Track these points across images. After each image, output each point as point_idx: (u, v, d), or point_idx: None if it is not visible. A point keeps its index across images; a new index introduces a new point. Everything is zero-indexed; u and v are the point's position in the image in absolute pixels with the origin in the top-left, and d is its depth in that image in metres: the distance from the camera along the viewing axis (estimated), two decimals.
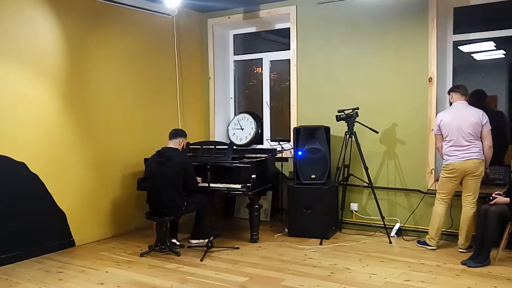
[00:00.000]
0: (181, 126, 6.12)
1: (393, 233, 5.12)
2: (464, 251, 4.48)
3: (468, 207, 4.43)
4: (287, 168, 5.85)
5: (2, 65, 4.29)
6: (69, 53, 4.85)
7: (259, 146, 6.37)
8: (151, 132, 5.63)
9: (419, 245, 4.76)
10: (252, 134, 6.33)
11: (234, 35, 6.72)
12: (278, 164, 5.78)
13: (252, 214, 5.00)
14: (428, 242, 4.67)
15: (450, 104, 4.58)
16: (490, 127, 4.39)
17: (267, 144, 6.30)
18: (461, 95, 4.50)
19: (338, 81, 5.51)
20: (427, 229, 4.72)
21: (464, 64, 5.26)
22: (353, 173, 5.37)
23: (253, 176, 4.83)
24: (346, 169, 5.33)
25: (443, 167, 4.51)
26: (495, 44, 5.08)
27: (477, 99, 4.74)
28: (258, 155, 5.48)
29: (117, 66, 5.36)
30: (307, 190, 5.13)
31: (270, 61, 6.46)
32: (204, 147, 5.21)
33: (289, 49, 5.89)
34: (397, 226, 5.16)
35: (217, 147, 5.16)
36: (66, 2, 4.80)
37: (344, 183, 5.41)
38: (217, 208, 6.29)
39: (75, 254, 4.71)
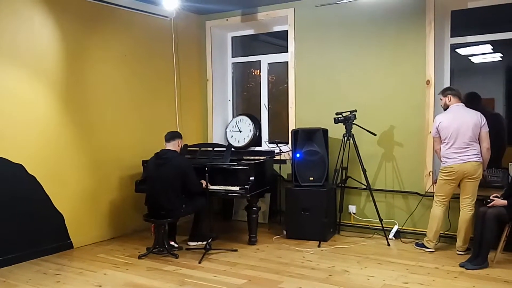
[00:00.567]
0: (179, 128, 6.12)
1: (391, 236, 5.13)
2: (462, 253, 4.48)
3: (466, 210, 4.44)
4: (285, 170, 5.85)
5: (0, 67, 4.28)
6: (67, 55, 4.84)
7: (257, 148, 6.37)
8: (149, 134, 5.63)
9: (417, 247, 4.77)
10: (250, 136, 6.34)
11: (232, 37, 6.73)
12: (276, 166, 5.78)
13: (250, 216, 5.00)
14: (426, 244, 4.68)
15: (444, 106, 4.57)
16: (488, 129, 4.40)
17: (265, 146, 6.30)
18: (459, 98, 4.51)
19: (336, 83, 5.52)
20: (425, 231, 4.73)
21: (461, 67, 5.28)
22: (351, 175, 5.38)
23: (251, 178, 4.83)
24: (344, 171, 5.34)
25: (441, 169, 4.52)
26: (492, 47, 5.10)
27: (472, 102, 4.75)
28: (256, 157, 5.49)
29: (115, 67, 5.36)
30: (305, 192, 5.13)
31: (268, 63, 6.47)
32: (202, 149, 5.22)
33: (287, 52, 5.90)
34: (395, 228, 5.17)
35: (215, 149, 5.17)
36: (64, 3, 4.80)
37: (342, 185, 5.41)
38: (215, 210, 6.28)
39: (73, 256, 4.70)
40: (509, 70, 5.20)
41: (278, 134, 6.31)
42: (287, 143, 5.92)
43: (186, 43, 6.30)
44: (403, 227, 5.17)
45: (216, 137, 6.55)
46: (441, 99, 4.58)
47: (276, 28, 6.26)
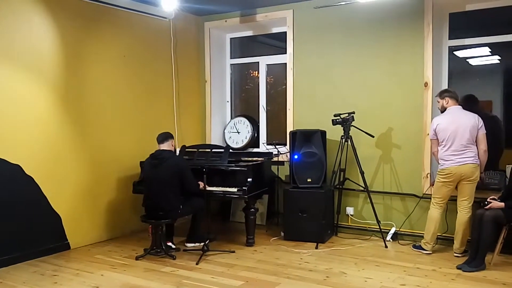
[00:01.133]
0: (177, 129, 6.12)
1: (388, 237, 5.13)
2: (460, 255, 4.49)
3: (464, 212, 4.45)
4: (283, 172, 5.85)
5: None
6: (65, 55, 4.84)
7: (255, 150, 6.37)
8: (147, 135, 5.62)
9: (415, 249, 4.78)
10: (248, 137, 6.34)
11: (230, 38, 6.73)
12: (274, 168, 5.78)
13: (248, 217, 4.99)
14: (423, 246, 4.68)
15: (441, 108, 4.57)
16: (485, 131, 4.41)
17: (263, 147, 6.30)
18: (456, 100, 4.52)
19: (335, 85, 5.53)
20: (423, 233, 4.74)
21: (459, 69, 5.29)
22: (349, 177, 5.38)
23: (249, 179, 4.83)
24: (342, 173, 5.34)
25: (439, 171, 4.53)
26: (490, 50, 5.11)
27: (469, 104, 4.76)
28: (254, 159, 5.48)
29: (114, 68, 5.35)
30: (303, 194, 5.13)
31: (267, 64, 6.48)
32: (200, 150, 5.21)
33: (285, 53, 5.91)
34: (392, 230, 5.17)
35: (213, 150, 5.16)
36: (63, 4, 4.79)
37: (340, 187, 5.41)
38: (213, 211, 6.28)
39: (70, 257, 4.69)
40: (507, 72, 5.22)
41: (276, 135, 6.31)
42: (285, 144, 5.92)
43: (185, 44, 6.30)
44: (401, 229, 5.18)
45: (214, 138, 6.55)
46: (439, 101, 4.59)
47: (275, 30, 6.26)
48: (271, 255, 4.67)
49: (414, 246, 4.82)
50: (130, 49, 5.52)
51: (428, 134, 4.83)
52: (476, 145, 4.41)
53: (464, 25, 5.09)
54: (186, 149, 5.30)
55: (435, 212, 4.57)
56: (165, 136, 4.73)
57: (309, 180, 5.18)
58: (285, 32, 5.86)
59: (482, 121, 4.40)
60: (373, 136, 5.17)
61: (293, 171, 5.24)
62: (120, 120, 5.43)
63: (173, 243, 4.93)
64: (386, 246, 4.92)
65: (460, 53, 5.22)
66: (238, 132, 6.42)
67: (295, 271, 4.16)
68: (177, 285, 3.85)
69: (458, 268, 4.16)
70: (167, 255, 4.59)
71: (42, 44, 4.63)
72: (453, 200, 4.59)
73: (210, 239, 4.85)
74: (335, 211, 5.46)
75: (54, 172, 4.76)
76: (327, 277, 4.01)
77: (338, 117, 5.08)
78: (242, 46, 6.82)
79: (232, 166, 4.99)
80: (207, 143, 6.44)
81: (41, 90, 4.64)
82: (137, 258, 4.57)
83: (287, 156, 5.71)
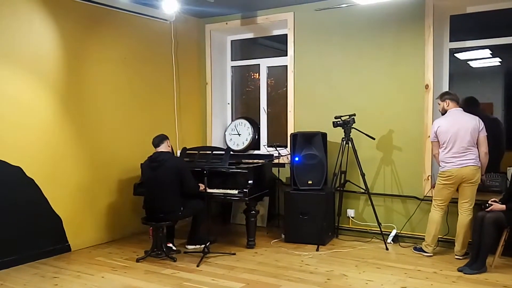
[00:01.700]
0: (178, 131, 6.13)
1: (389, 240, 5.12)
2: (461, 258, 4.48)
3: (465, 214, 4.44)
4: (284, 174, 5.85)
5: None
6: (66, 57, 4.85)
7: (256, 152, 6.36)
8: (148, 137, 5.56)
9: (416, 251, 4.77)
10: (249, 139, 6.34)
11: (231, 40, 6.74)
12: (275, 170, 5.78)
13: (249, 219, 4.99)
14: (424, 248, 4.67)
15: (442, 110, 4.57)
16: (486, 134, 4.41)
17: (264, 149, 6.30)
18: (457, 102, 4.52)
19: (335, 87, 5.53)
20: (424, 235, 4.73)
21: (460, 72, 5.29)
22: (349, 179, 5.37)
23: (250, 181, 4.83)
24: (342, 175, 5.33)
25: (440, 174, 4.52)
26: (491, 52, 5.11)
27: (470, 106, 4.76)
28: (255, 161, 5.49)
29: (114, 70, 5.36)
30: (304, 196, 5.13)
31: (268, 67, 6.48)
32: (201, 152, 5.22)
33: (286, 55, 5.91)
34: (393, 232, 5.16)
35: (214, 152, 5.17)
36: (63, 5, 4.80)
37: (341, 189, 5.41)
38: (214, 213, 6.28)
39: (71, 259, 4.69)
40: (508, 75, 5.22)
41: (277, 137, 6.31)
42: (286, 146, 5.92)
43: (186, 46, 6.31)
44: (402, 231, 5.17)
45: (215, 141, 6.55)
46: (439, 104, 4.59)
47: (276, 32, 6.27)
48: (272, 257, 4.67)
49: (415, 249, 4.81)
50: (131, 51, 5.53)
51: (429, 136, 4.83)
52: (477, 147, 4.40)
53: (465, 27, 5.09)
54: (187, 151, 5.30)
55: (436, 214, 4.57)
56: (159, 139, 4.73)
57: (309, 182, 5.18)
58: (286, 35, 5.87)
59: (483, 123, 4.40)
60: (374, 138, 5.17)
61: (294, 173, 5.23)
62: (121, 122, 5.44)
63: (173, 245, 4.92)
64: (387, 249, 4.92)
65: (461, 55, 5.22)
66: (239, 134, 6.42)
67: (296, 274, 4.15)
68: (177, 287, 3.85)
69: (459, 270, 4.15)
70: (167, 257, 4.59)
71: (43, 46, 4.64)
72: (454, 202, 4.58)
73: (210, 241, 4.85)
74: (336, 213, 5.45)
75: (55, 174, 4.76)
76: (328, 279, 4.01)
77: (339, 119, 5.08)
78: (243, 48, 6.83)
79: (233, 168, 4.99)
80: (207, 145, 6.44)
81: (42, 92, 4.64)
82: (137, 260, 4.56)
83: (287, 158, 5.71)
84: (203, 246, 4.71)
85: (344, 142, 5.09)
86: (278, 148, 5.82)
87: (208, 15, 6.28)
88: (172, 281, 3.99)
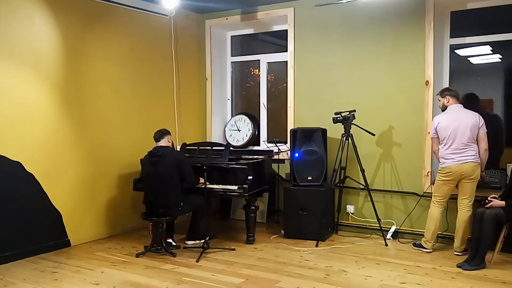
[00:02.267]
0: (178, 127, 6.12)
1: (389, 236, 5.13)
2: (460, 254, 4.49)
3: (464, 210, 4.44)
4: (284, 170, 5.85)
5: None
6: (66, 53, 4.83)
7: (256, 148, 6.37)
8: (147, 133, 5.58)
9: (415, 247, 4.78)
10: (249, 135, 6.34)
11: (231, 36, 6.72)
12: (274, 166, 5.78)
13: (249, 215, 5.00)
14: (424, 244, 4.68)
15: (442, 107, 4.57)
16: (486, 130, 4.40)
17: (264, 145, 6.30)
18: (457, 99, 4.52)
19: (335, 83, 5.52)
20: (423, 231, 4.73)
21: (460, 68, 5.28)
22: (349, 175, 5.38)
23: (249, 177, 4.83)
24: (342, 171, 5.34)
25: (439, 170, 4.52)
26: (491, 48, 5.10)
27: (470, 103, 4.76)
28: (255, 157, 5.48)
29: (114, 66, 5.35)
30: (304, 192, 5.13)
31: (268, 62, 6.47)
32: (201, 148, 5.21)
33: (286, 51, 5.90)
34: (393, 228, 5.17)
35: (214, 148, 5.16)
36: (63, 1, 4.79)
37: (341, 185, 5.41)
38: (214, 209, 6.28)
39: (71, 254, 4.69)
40: (508, 71, 5.21)
41: (277, 133, 6.31)
42: (285, 142, 5.92)
43: (186, 42, 6.30)
44: (401, 227, 5.18)
45: (214, 136, 6.54)
46: (439, 100, 4.59)
47: (276, 28, 6.26)
48: (271, 253, 4.67)
49: (415, 245, 4.82)
50: (130, 46, 5.52)
51: (429, 133, 4.83)
52: (477, 144, 4.40)
53: (465, 23, 5.08)
54: (187, 147, 5.30)
55: (435, 210, 4.57)
56: (160, 134, 4.74)
57: (309, 178, 5.18)
58: (286, 30, 5.85)
59: (483, 119, 4.40)
60: (374, 135, 5.17)
61: (294, 169, 5.23)
62: (121, 118, 5.43)
63: (173, 241, 4.93)
64: (386, 244, 4.92)
65: (461, 52, 5.21)
66: (239, 130, 6.42)
67: (295, 269, 4.16)
68: (177, 283, 3.86)
69: (458, 266, 4.16)
70: (167, 253, 4.59)
71: (43, 41, 4.63)
72: (453, 198, 4.59)
73: (210, 237, 4.85)
74: (336, 209, 5.46)
75: (55, 169, 4.76)
76: (327, 275, 4.01)
77: (339, 115, 5.08)
78: (243, 44, 6.82)
79: (233, 164, 4.99)
80: (207, 141, 6.43)
81: (42, 87, 4.64)
82: (137, 256, 4.57)
83: (287, 154, 5.71)
84: (202, 241, 4.71)
85: (344, 138, 5.09)
86: (278, 144, 5.82)
87: (208, 10, 6.26)
88: (172, 276, 4.00)
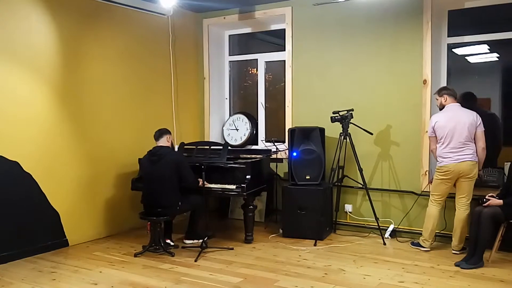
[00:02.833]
0: (176, 126, 6.11)
1: (387, 235, 5.14)
2: (458, 252, 4.50)
3: (462, 209, 4.45)
4: (282, 169, 5.85)
5: None
6: (63, 52, 4.83)
7: (254, 147, 6.37)
8: (145, 132, 5.60)
9: (413, 246, 4.78)
10: (247, 134, 6.34)
11: (229, 35, 6.72)
12: (273, 165, 5.78)
13: (247, 214, 5.00)
14: (422, 243, 4.69)
15: (440, 106, 4.58)
16: (483, 129, 4.41)
17: (262, 145, 6.30)
18: (454, 98, 4.53)
19: (333, 82, 5.53)
20: (421, 230, 4.74)
21: (458, 67, 5.29)
22: (347, 174, 5.38)
23: (248, 176, 4.83)
24: (340, 170, 5.34)
25: (437, 169, 4.53)
26: (488, 47, 5.11)
27: (467, 102, 4.77)
28: (253, 156, 5.49)
29: (112, 65, 5.34)
30: (302, 191, 5.14)
31: (265, 62, 6.47)
32: (198, 147, 5.21)
33: (284, 50, 5.90)
34: (391, 227, 5.18)
35: (212, 147, 5.16)
36: (61, 1, 4.77)
37: (339, 184, 5.42)
38: (212, 208, 6.29)
39: (69, 254, 4.69)
40: (506, 70, 5.22)
41: (275, 132, 6.31)
42: (283, 141, 5.92)
43: (183, 41, 6.29)
44: (399, 226, 5.18)
45: (212, 136, 6.54)
46: (437, 99, 4.59)
47: (274, 27, 6.25)
48: (270, 252, 4.68)
49: (413, 243, 4.83)
50: (128, 46, 5.51)
51: (426, 132, 4.83)
52: (475, 143, 4.41)
53: (463, 22, 5.08)
54: (185, 146, 5.30)
55: (433, 209, 4.58)
56: (160, 133, 4.75)
57: (307, 177, 5.18)
58: (284, 29, 5.85)
59: (480, 118, 4.41)
60: (372, 134, 5.18)
61: (292, 168, 5.24)
62: (119, 117, 5.42)
63: (171, 240, 4.93)
64: (384, 243, 4.93)
65: (458, 51, 5.22)
66: (237, 129, 6.42)
67: (294, 268, 4.16)
68: (175, 282, 3.85)
69: (457, 265, 4.17)
70: (165, 252, 4.59)
71: (40, 41, 4.62)
72: (451, 197, 4.60)
73: (208, 236, 4.85)
74: (334, 208, 5.46)
75: (53, 169, 4.75)
76: (326, 274, 4.02)
77: (337, 115, 5.08)
78: (240, 43, 6.81)
79: (231, 163, 4.99)
80: (205, 140, 6.43)
81: (39, 87, 4.63)
82: (135, 255, 4.56)
83: (285, 153, 5.71)
84: (201, 241, 4.71)
85: (342, 137, 5.09)
86: (276, 143, 5.82)
87: (206, 9, 6.25)
88: (170, 276, 4.00)
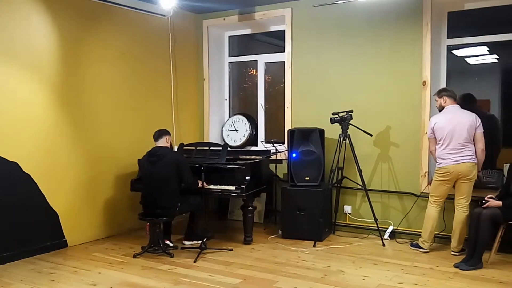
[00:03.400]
0: (176, 127, 6.12)
1: (386, 236, 5.14)
2: (457, 254, 4.50)
3: (461, 210, 4.45)
4: (281, 170, 5.85)
5: None
6: (63, 53, 4.83)
7: (253, 148, 6.37)
8: (145, 133, 5.59)
9: (412, 247, 4.78)
10: (246, 135, 6.34)
11: (229, 36, 6.72)
12: (272, 166, 5.78)
13: (246, 215, 5.00)
14: (421, 244, 4.69)
15: (439, 107, 4.58)
16: (483, 130, 4.42)
17: (261, 146, 6.30)
18: (454, 99, 4.53)
19: (333, 83, 5.53)
20: (420, 232, 4.74)
21: (457, 68, 5.29)
22: (347, 175, 5.38)
23: (247, 177, 4.83)
24: (340, 171, 5.34)
25: (436, 170, 4.53)
26: (488, 49, 5.12)
27: (467, 103, 4.77)
28: (253, 157, 5.49)
29: (112, 66, 5.34)
30: (301, 192, 5.14)
31: (265, 63, 6.47)
32: (198, 148, 5.21)
33: (284, 51, 5.90)
34: (390, 228, 5.18)
35: (211, 148, 5.17)
36: (60, 1, 4.78)
37: (338, 185, 5.42)
38: (211, 209, 6.28)
39: (68, 254, 4.68)
40: (505, 72, 5.23)
41: (274, 133, 6.31)
42: (283, 142, 5.92)
43: (183, 42, 6.29)
44: (398, 228, 5.18)
45: (212, 137, 6.54)
46: (437, 100, 4.60)
47: (273, 28, 6.26)
48: (269, 253, 4.67)
49: (412, 245, 4.83)
50: (128, 47, 5.51)
51: (426, 133, 4.83)
52: (474, 144, 4.42)
53: (462, 24, 5.09)
54: (184, 147, 5.30)
55: (432, 210, 4.58)
56: (159, 134, 4.75)
57: (307, 178, 5.18)
58: (284, 31, 5.85)
59: (479, 120, 4.41)
60: (371, 135, 5.18)
61: (291, 169, 5.24)
62: (118, 118, 5.42)
63: (170, 241, 4.93)
64: (383, 245, 4.93)
65: (458, 52, 5.23)
66: (236, 131, 6.42)
67: (293, 269, 4.16)
68: (174, 283, 3.85)
69: (456, 266, 4.17)
70: (164, 253, 4.59)
71: (40, 41, 4.62)
72: (450, 198, 4.60)
73: (208, 237, 4.85)
74: (333, 209, 5.47)
75: (52, 170, 4.75)
76: (325, 275, 4.02)
77: (337, 116, 5.09)
78: (240, 44, 6.82)
79: (230, 164, 4.99)
80: (205, 141, 6.43)
81: (39, 87, 4.63)
82: (134, 256, 4.56)
83: (285, 154, 5.71)
84: (200, 242, 4.71)
85: (342, 138, 5.09)
86: (275, 144, 5.82)
87: (205, 10, 6.26)
88: (169, 277, 3.99)
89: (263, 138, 6.43)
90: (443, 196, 4.55)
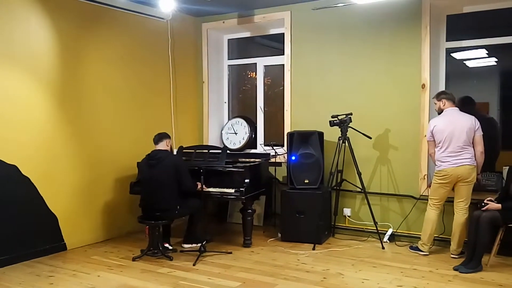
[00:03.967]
0: (175, 130, 6.12)
1: (385, 239, 5.13)
2: (456, 257, 4.50)
3: (460, 213, 4.45)
4: (281, 173, 5.85)
5: None
6: (63, 56, 4.83)
7: (252, 151, 6.36)
8: (144, 136, 5.60)
9: (412, 250, 4.78)
10: (245, 138, 6.34)
11: (228, 39, 6.73)
12: (271, 169, 5.78)
13: (245, 218, 4.99)
14: (420, 247, 4.68)
15: (438, 110, 4.59)
16: (482, 133, 4.42)
17: (260, 148, 6.30)
18: (453, 102, 4.54)
19: (332, 86, 5.54)
20: (420, 234, 4.74)
21: (456, 71, 5.31)
22: (346, 178, 5.38)
23: (246, 180, 4.83)
24: (339, 174, 5.34)
25: (436, 173, 4.53)
26: (487, 52, 5.13)
27: (466, 106, 4.78)
28: (252, 160, 5.49)
29: (111, 69, 5.34)
30: (300, 195, 5.13)
31: (264, 66, 6.48)
32: (197, 151, 5.21)
33: (283, 54, 5.91)
34: (389, 231, 5.17)
35: (210, 151, 5.17)
36: (60, 4, 4.78)
37: (337, 188, 5.42)
38: (210, 212, 6.27)
39: (67, 258, 4.67)
40: (504, 74, 5.24)
41: (273, 136, 6.31)
42: (282, 145, 5.92)
43: (182, 45, 6.30)
44: (398, 230, 5.18)
45: (211, 139, 6.54)
46: (436, 103, 4.60)
47: (273, 31, 6.27)
48: (268, 256, 4.67)
49: (411, 248, 4.82)
50: (127, 49, 5.52)
51: (425, 136, 4.83)
52: (473, 147, 4.42)
53: (461, 27, 5.11)
54: (184, 150, 5.30)
55: (432, 213, 4.58)
56: (160, 137, 4.75)
57: (306, 181, 5.18)
58: (283, 34, 5.86)
59: (479, 122, 4.42)
60: (370, 138, 5.18)
61: (291, 172, 5.23)
62: (118, 121, 5.42)
63: (170, 244, 4.92)
64: (383, 247, 4.92)
65: (457, 55, 5.24)
66: (236, 133, 6.42)
67: (292, 272, 4.16)
68: (173, 286, 3.85)
69: (455, 269, 4.16)
70: (164, 256, 4.58)
71: (40, 44, 4.62)
72: (450, 201, 4.60)
73: (207, 240, 4.84)
74: (332, 212, 5.46)
75: (51, 173, 4.75)
76: (324, 278, 4.01)
77: (336, 118, 5.09)
78: (239, 47, 6.82)
79: (230, 167, 4.99)
80: (204, 144, 6.43)
81: (38, 90, 4.63)
82: (133, 259, 4.55)
83: (284, 157, 5.71)
84: (199, 245, 4.70)
85: (341, 141, 5.10)
86: (274, 147, 5.81)
87: (205, 13, 6.27)
88: (168, 280, 3.99)
89: (263, 141, 6.43)
90: (443, 199, 4.55)
